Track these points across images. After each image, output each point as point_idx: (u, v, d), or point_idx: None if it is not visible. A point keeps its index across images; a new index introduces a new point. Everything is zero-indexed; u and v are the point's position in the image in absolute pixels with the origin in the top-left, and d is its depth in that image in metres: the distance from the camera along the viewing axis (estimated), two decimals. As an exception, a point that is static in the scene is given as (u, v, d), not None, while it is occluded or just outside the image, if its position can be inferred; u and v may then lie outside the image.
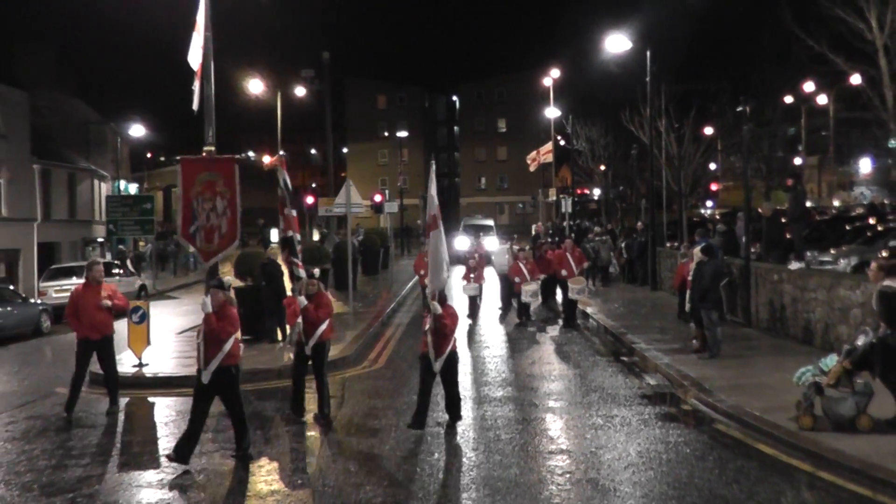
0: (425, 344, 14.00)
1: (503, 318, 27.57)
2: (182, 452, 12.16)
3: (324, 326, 15.03)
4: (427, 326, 14.04)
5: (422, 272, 27.77)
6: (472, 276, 27.69)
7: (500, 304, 29.00)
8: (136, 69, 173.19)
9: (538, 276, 26.56)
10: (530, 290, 25.83)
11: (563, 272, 26.08)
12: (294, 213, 17.32)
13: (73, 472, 12.28)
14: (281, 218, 17.29)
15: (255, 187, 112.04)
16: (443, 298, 14.19)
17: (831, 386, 12.35)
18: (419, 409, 13.71)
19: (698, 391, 15.68)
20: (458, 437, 13.39)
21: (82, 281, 17.28)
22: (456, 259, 39.40)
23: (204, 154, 19.53)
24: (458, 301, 29.47)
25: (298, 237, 17.16)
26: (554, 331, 25.14)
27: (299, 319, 15.17)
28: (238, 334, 12.82)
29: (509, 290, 27.79)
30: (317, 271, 15.92)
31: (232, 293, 13.28)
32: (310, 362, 15.16)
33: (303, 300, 15.11)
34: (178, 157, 20.06)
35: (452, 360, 14.04)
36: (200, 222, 18.49)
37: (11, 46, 57.08)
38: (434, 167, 16.96)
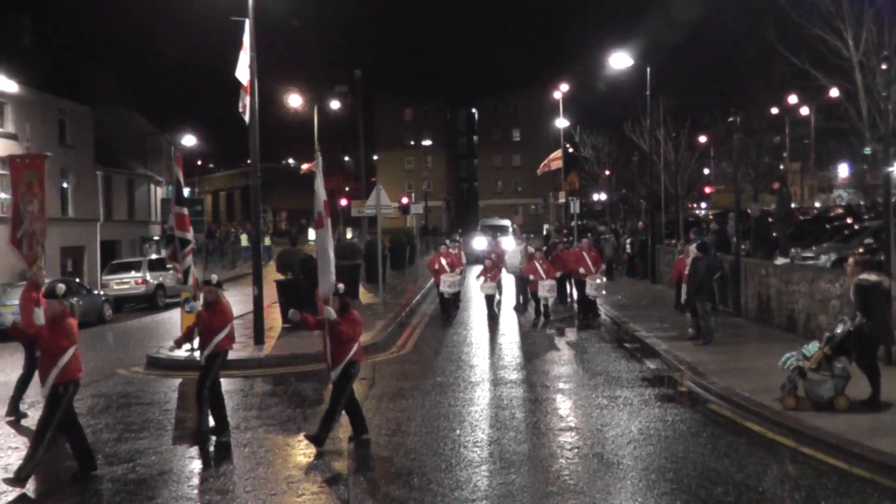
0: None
1: (520, 315, 26.34)
2: (23, 474, 10.30)
3: (221, 336, 12.87)
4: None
5: (435, 267, 26.81)
6: (488, 275, 26.17)
7: (514, 303, 27.71)
8: (188, 85, 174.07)
9: (554, 275, 25.31)
10: (547, 286, 24.65)
11: (581, 270, 24.87)
12: (184, 210, 14.69)
13: (133, 444, 12.38)
14: (171, 216, 14.98)
15: (295, 191, 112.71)
16: (345, 304, 12.08)
17: (813, 370, 12.32)
18: (353, 421, 12.10)
19: (693, 374, 15.65)
20: (477, 415, 13.41)
21: (26, 287, 15.00)
22: (474, 258, 39.04)
23: (24, 151, 16.59)
24: (477, 299, 29.19)
25: (189, 236, 14.55)
26: (568, 327, 24.09)
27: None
28: (73, 349, 10.64)
29: (524, 289, 26.82)
30: (214, 277, 13.47)
31: (74, 302, 11.46)
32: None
33: (197, 306, 13.29)
34: (5, 156, 15.71)
35: (349, 371, 11.90)
36: (26, 227, 15.65)
37: (78, 68, 57.39)
38: (320, 158, 13.62)
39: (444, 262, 26.64)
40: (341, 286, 12.23)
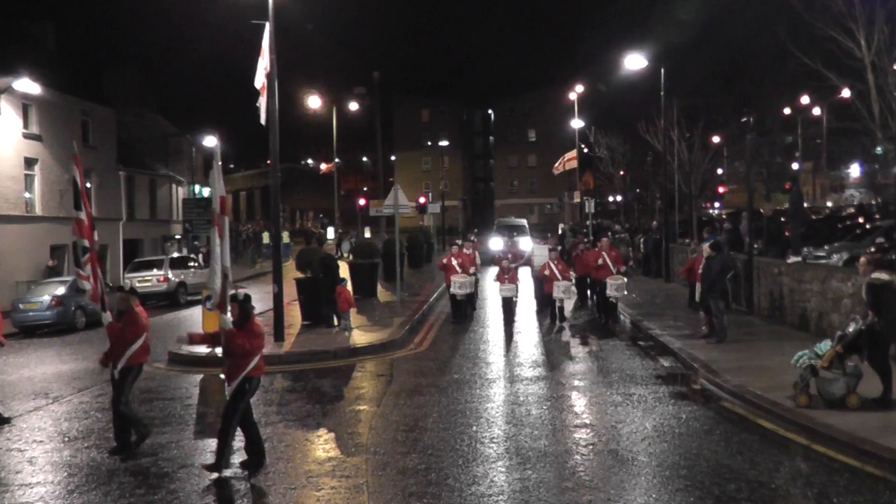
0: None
1: (539, 316, 25.34)
2: None
3: (134, 347, 12.00)
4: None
5: (444, 261, 25.34)
6: (506, 277, 23.93)
7: (535, 305, 26.48)
8: (209, 87, 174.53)
9: (569, 276, 24.16)
10: (562, 287, 23.48)
11: (600, 271, 23.63)
12: (82, 215, 12.88)
13: (156, 437, 12.43)
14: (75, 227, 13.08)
15: (314, 191, 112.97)
16: (245, 312, 10.75)
17: (825, 368, 12.28)
18: (248, 446, 10.88)
19: (706, 372, 15.61)
20: (493, 412, 13.41)
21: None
22: (490, 259, 38.56)
23: None
24: (492, 299, 28.75)
25: (87, 244, 12.85)
26: (586, 328, 23.37)
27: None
28: None
29: (542, 290, 25.18)
30: (127, 283, 11.60)
31: None
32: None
33: (107, 317, 12.26)
34: None
35: (244, 388, 10.57)
36: None
37: (101, 70, 57.67)
38: (219, 150, 11.61)
39: (454, 261, 25.02)
40: (241, 292, 11.09)
